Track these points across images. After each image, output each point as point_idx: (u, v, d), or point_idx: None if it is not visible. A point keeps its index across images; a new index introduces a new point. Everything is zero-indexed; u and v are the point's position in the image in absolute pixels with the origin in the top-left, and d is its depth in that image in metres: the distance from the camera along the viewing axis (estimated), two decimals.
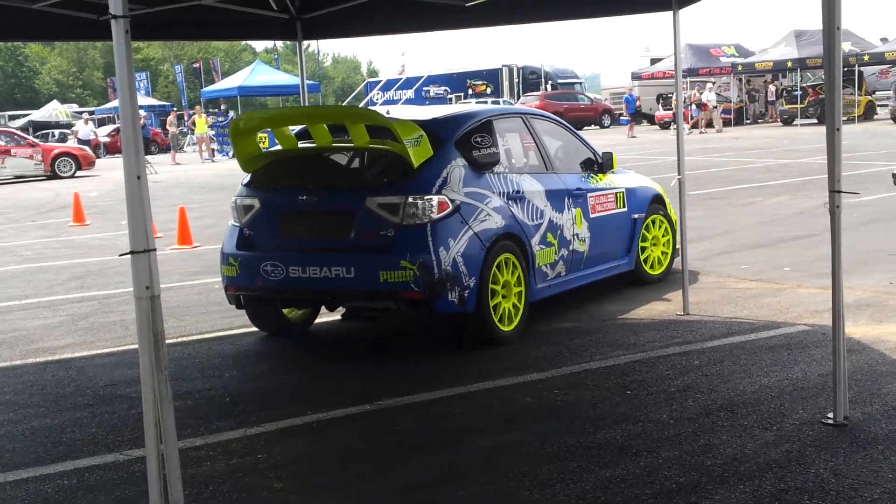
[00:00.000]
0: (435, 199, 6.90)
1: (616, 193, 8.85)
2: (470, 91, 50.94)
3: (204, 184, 26.27)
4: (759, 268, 9.80)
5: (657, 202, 9.40)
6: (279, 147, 7.58)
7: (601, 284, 8.73)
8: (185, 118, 46.35)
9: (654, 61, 49.31)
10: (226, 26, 9.03)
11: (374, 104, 60.13)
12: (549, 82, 52.32)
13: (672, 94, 46.31)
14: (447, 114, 7.82)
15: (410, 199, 6.86)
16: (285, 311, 7.85)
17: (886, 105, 39.46)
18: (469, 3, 8.16)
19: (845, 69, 41.17)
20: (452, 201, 6.99)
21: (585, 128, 49.93)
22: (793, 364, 6.30)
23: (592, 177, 8.71)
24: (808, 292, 8.50)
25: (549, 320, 7.93)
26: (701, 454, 4.78)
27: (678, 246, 8.91)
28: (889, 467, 4.49)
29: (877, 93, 43.76)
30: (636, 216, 9.09)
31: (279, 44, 58.19)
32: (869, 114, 40.48)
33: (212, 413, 5.92)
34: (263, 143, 7.01)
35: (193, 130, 41.78)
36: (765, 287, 8.87)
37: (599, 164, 8.87)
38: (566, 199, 8.15)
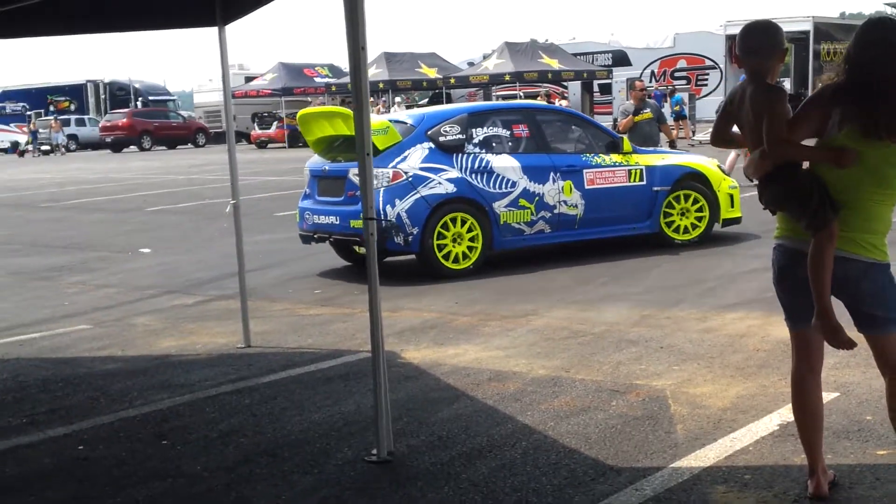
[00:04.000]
0: (390, 171, 9.88)
1: (630, 170, 11.04)
2: (52, 108, 47.79)
3: None
4: (332, 292, 9.60)
5: (691, 179, 11.38)
6: (323, 135, 10.46)
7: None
8: None
9: (248, 79, 48.94)
10: None
11: None
12: (140, 99, 50.39)
13: (266, 113, 46.29)
14: (432, 111, 11.32)
15: (373, 170, 9.31)
16: (356, 248, 10.56)
17: None
18: None
19: (435, 91, 43.19)
20: (406, 173, 9.92)
21: (179, 146, 48.62)
22: (347, 396, 6.04)
23: (599, 156, 10.95)
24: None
25: (92, 362, 7.18)
26: None
27: (732, 215, 11.47)
28: None
29: None
30: (657, 189, 11.12)
31: None
32: None
33: None
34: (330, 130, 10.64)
35: None
36: (334, 313, 8.66)
37: (613, 147, 11.07)
38: (551, 174, 10.53)
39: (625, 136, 11.59)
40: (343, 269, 10.83)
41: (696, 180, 11.43)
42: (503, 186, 10.33)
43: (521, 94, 39.26)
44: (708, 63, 43.27)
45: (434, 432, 5.27)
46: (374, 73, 42.83)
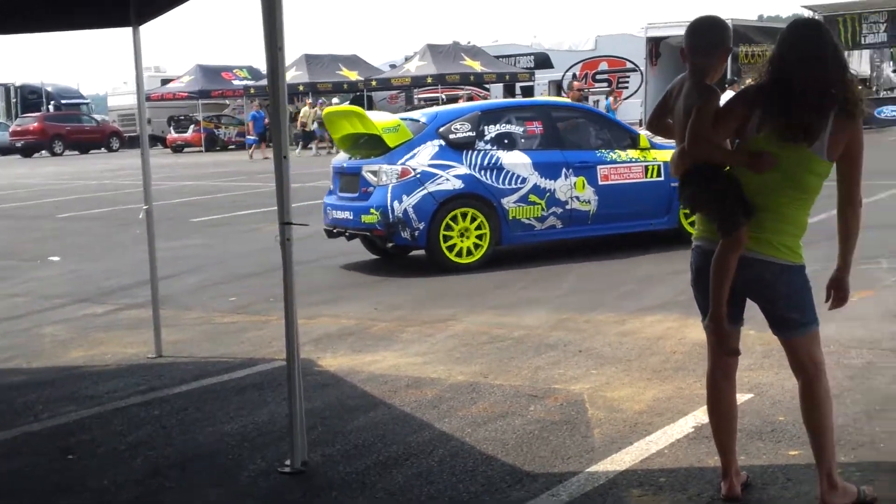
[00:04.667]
0: (398, 167, 10.19)
1: (646, 166, 11.09)
2: None
3: None
4: (248, 299, 9.42)
5: None
6: (346, 133, 10.80)
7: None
8: None
9: (164, 81, 48.08)
10: None
11: None
12: (52, 102, 49.20)
13: (183, 116, 45.57)
14: (445, 109, 11.71)
15: (383, 167, 10.26)
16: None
17: None
18: None
19: (356, 94, 42.85)
20: (414, 169, 10.17)
21: (92, 151, 47.61)
22: (262, 406, 5.92)
23: (614, 152, 11.03)
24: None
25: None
26: None
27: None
28: None
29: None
30: (675, 184, 10.70)
31: None
32: None
33: None
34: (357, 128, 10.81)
35: None
36: (249, 320, 8.49)
37: (630, 143, 11.17)
38: (563, 170, 10.65)
39: (642, 133, 11.61)
40: (259, 275, 10.66)
41: None
42: (512, 182, 10.51)
43: (443, 96, 39.26)
44: (629, 65, 43.71)
45: (350, 441, 5.18)
46: (294, 75, 42.48)
